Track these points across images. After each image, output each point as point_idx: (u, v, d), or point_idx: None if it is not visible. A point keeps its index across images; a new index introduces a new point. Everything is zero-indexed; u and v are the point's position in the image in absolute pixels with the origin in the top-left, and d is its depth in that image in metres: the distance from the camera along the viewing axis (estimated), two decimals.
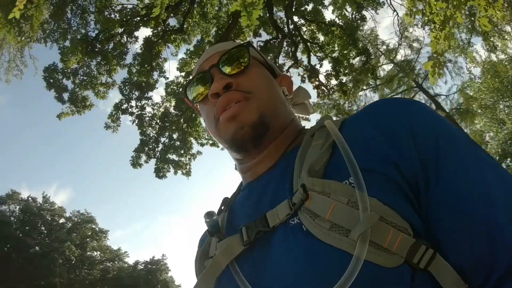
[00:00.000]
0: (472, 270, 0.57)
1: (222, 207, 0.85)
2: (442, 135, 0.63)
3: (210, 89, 0.79)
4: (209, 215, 0.80)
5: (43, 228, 29.57)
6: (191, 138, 10.10)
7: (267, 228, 0.66)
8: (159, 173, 9.64)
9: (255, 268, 0.67)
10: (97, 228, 31.95)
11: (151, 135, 9.74)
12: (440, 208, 0.60)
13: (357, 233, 0.55)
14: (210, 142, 10.08)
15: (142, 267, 31.86)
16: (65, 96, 9.00)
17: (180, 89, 9.34)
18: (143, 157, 9.54)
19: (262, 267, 0.66)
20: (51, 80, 8.72)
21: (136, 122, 9.51)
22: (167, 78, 10.02)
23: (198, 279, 0.73)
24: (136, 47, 9.68)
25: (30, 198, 29.93)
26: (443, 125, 0.65)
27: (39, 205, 30.01)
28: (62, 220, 31.19)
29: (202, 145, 10.38)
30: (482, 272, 0.56)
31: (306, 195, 0.62)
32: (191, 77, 0.89)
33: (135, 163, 9.32)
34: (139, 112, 9.50)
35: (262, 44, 9.59)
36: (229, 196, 0.89)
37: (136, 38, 9.15)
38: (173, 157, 9.97)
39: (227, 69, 0.81)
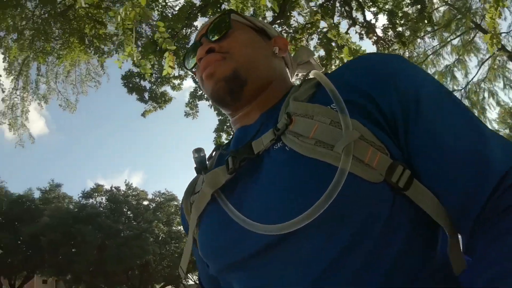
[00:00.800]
0: (449, 195, 0.59)
1: (213, 153, 0.89)
2: (424, 83, 0.67)
3: (196, 55, 0.85)
4: (197, 151, 0.82)
5: (129, 213, 31.94)
6: None
7: (251, 155, 0.69)
8: None
9: (241, 194, 0.70)
10: (179, 204, 33.58)
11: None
12: (418, 142, 0.62)
13: (341, 146, 0.58)
14: None
15: None
16: (146, 95, 9.92)
17: None
18: (224, 136, 10.43)
19: (248, 192, 0.69)
20: (130, 85, 9.64)
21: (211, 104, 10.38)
22: None
23: (187, 214, 0.81)
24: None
25: (114, 188, 32.45)
26: (426, 76, 0.69)
27: (122, 192, 32.48)
28: (145, 203, 33.49)
29: None
30: (461, 198, 0.58)
31: (290, 119, 0.67)
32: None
33: (218, 143, 10.22)
34: None
35: (315, 8, 9.89)
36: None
37: (196, 27, 9.82)
38: None
39: (214, 37, 0.84)
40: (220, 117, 10.40)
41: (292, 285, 0.61)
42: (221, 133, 10.40)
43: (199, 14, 9.58)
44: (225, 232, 0.69)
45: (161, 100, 10.03)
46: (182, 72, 10.20)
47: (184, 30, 9.39)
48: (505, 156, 0.58)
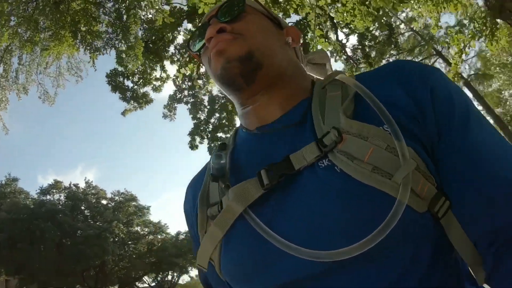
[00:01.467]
0: (480, 227, 0.58)
1: (221, 153, 0.78)
2: (458, 103, 0.64)
3: (205, 35, 0.77)
4: (217, 157, 0.74)
5: (88, 211, 31.35)
6: (236, 117, 11.46)
7: (291, 170, 0.62)
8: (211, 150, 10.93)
9: (276, 213, 0.63)
10: (138, 205, 33.69)
11: (202, 118, 11.01)
12: (460, 168, 0.60)
13: (400, 176, 0.55)
14: None
15: (183, 237, 33.17)
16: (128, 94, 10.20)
17: None
18: (197, 139, 10.84)
19: (284, 211, 0.63)
20: (114, 84, 9.88)
21: (190, 108, 10.80)
22: None
23: (209, 228, 0.71)
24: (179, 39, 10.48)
25: (73, 186, 31.76)
26: (460, 95, 0.66)
27: (82, 190, 31.82)
28: (104, 202, 32.95)
29: None
30: (484, 227, 0.57)
31: (340, 137, 0.60)
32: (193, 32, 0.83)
33: (193, 146, 10.57)
34: (192, 100, 10.75)
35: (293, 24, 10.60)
36: (226, 142, 0.85)
37: (179, 31, 10.16)
38: (220, 134, 11.28)
39: (226, 18, 0.78)
40: (195, 121, 10.80)
41: None
42: (195, 136, 10.80)
43: (185, 18, 9.86)
44: (258, 254, 0.63)
45: (142, 100, 10.35)
46: (164, 74, 10.49)
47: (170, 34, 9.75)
48: None
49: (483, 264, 0.59)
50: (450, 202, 0.60)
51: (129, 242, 32.00)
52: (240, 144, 0.80)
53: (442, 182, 0.61)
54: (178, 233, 34.51)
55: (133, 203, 33.17)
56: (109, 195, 33.27)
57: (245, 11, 0.79)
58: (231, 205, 0.65)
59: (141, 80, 10.19)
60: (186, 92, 10.73)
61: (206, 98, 11.20)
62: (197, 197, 0.77)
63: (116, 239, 30.31)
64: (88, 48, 8.72)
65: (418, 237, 0.59)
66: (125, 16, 8.48)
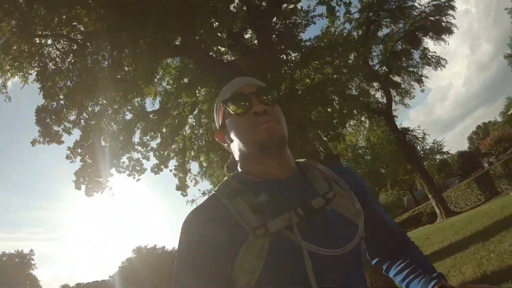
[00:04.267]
0: (379, 246, 1.32)
1: (236, 191, 1.08)
2: (371, 194, 1.29)
3: (254, 108, 1.12)
4: (261, 196, 1.03)
5: None
6: None
7: (313, 209, 1.03)
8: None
9: (307, 234, 0.98)
10: None
11: None
12: (371, 219, 1.19)
13: (360, 216, 1.09)
14: None
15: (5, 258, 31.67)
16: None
17: None
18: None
19: (312, 233, 1.00)
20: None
21: None
22: None
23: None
24: None
25: None
26: (370, 189, 1.31)
27: None
28: None
29: None
30: (384, 247, 1.31)
31: (334, 195, 1.09)
32: (228, 94, 1.19)
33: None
34: None
35: None
36: (234, 185, 1.11)
37: None
38: None
39: (268, 102, 1.14)
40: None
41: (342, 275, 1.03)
42: None
43: None
44: (301, 257, 0.95)
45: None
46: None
47: None
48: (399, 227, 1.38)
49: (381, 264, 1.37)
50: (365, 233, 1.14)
51: None
52: (257, 187, 1.09)
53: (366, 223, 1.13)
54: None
55: None
56: None
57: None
58: (279, 229, 0.98)
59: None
60: None
61: None
62: (225, 224, 1.02)
63: None
64: None
65: (362, 247, 1.14)
66: None
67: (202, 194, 12.59)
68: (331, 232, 1.03)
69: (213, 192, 1.13)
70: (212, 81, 9.90)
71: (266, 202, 1.01)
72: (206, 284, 0.98)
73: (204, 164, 12.12)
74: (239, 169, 1.20)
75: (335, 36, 15.55)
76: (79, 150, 9.80)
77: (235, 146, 1.18)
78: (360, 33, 16.72)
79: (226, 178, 1.16)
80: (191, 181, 12.56)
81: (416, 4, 16.07)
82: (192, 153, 12.07)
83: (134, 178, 11.22)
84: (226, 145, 1.25)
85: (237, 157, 1.20)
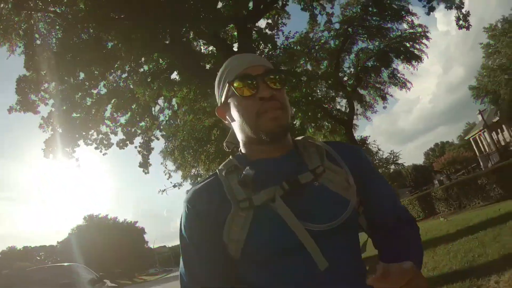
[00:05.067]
0: (377, 218, 1.19)
1: (231, 168, 1.12)
2: (371, 169, 1.23)
3: (260, 92, 1.08)
4: (248, 170, 1.05)
5: None
6: None
7: (300, 184, 1.05)
8: None
9: (292, 205, 1.01)
10: None
11: None
12: (366, 194, 1.17)
13: (351, 191, 1.08)
14: None
15: None
16: None
17: None
18: None
19: (297, 205, 1.01)
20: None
21: None
22: None
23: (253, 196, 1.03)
24: None
25: None
26: (369, 159, 1.26)
27: None
28: None
29: None
30: (382, 219, 1.18)
31: (324, 170, 1.09)
32: (233, 73, 1.14)
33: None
34: None
35: None
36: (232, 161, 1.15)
37: None
38: None
39: (276, 85, 1.10)
40: None
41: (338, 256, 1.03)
42: None
43: None
44: (283, 229, 0.99)
45: None
46: None
47: None
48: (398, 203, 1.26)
49: (373, 241, 1.22)
50: (364, 208, 1.17)
51: None
52: (252, 165, 1.09)
53: (362, 198, 1.16)
54: None
55: None
56: None
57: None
58: (264, 201, 1.02)
59: None
60: None
61: None
62: (218, 198, 1.08)
63: None
64: None
65: (356, 223, 1.12)
66: None
67: (173, 186, 13.46)
68: (318, 208, 1.04)
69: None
70: (192, 83, 10.54)
71: (251, 175, 1.03)
72: (207, 262, 1.08)
73: (178, 161, 12.81)
74: (241, 149, 1.22)
75: (312, 41, 16.36)
76: (51, 120, 10.27)
77: (237, 127, 1.17)
78: (337, 42, 17.45)
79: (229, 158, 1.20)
80: (165, 175, 13.55)
81: (394, 27, 16.86)
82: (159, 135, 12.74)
83: (101, 151, 11.73)
84: (226, 122, 1.24)
85: (238, 137, 1.20)
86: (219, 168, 1.15)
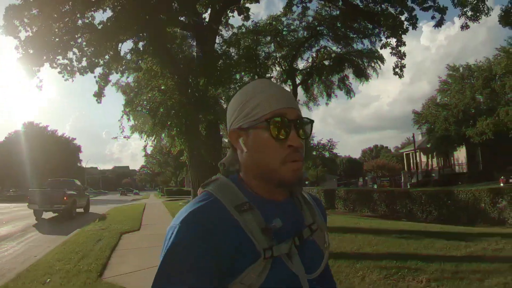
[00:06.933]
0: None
1: (245, 206, 1.03)
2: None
3: (290, 140, 1.04)
4: (276, 221, 1.04)
5: None
6: None
7: (303, 240, 1.09)
8: None
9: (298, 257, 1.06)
10: None
11: None
12: None
13: (327, 249, 1.19)
14: None
15: None
16: None
17: None
18: None
19: (301, 257, 1.06)
20: None
21: None
22: None
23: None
24: None
25: None
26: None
27: None
28: None
29: None
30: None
31: (315, 230, 1.15)
32: (268, 107, 1.06)
33: None
34: None
35: None
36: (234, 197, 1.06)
37: None
38: None
39: (303, 136, 1.09)
40: None
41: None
42: None
43: None
44: (294, 282, 1.04)
45: None
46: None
47: None
48: None
49: None
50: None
51: None
52: (259, 204, 1.06)
53: None
54: None
55: None
56: None
57: None
58: (282, 251, 1.02)
59: None
60: None
61: None
62: (235, 235, 0.98)
63: None
64: None
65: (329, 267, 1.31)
66: None
67: (124, 137, 14.12)
68: (312, 263, 1.10)
69: (208, 190, 1.06)
70: (166, 66, 12.08)
71: (279, 227, 1.03)
72: None
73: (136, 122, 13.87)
74: (242, 175, 1.13)
75: (282, 25, 17.53)
76: (28, 43, 11.22)
77: (250, 160, 1.08)
78: (305, 34, 18.66)
79: (222, 178, 1.10)
80: (119, 128, 14.07)
81: (357, 40, 18.22)
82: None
83: (63, 77, 12.82)
84: (235, 146, 1.13)
85: (247, 167, 1.11)
86: (219, 193, 1.05)
